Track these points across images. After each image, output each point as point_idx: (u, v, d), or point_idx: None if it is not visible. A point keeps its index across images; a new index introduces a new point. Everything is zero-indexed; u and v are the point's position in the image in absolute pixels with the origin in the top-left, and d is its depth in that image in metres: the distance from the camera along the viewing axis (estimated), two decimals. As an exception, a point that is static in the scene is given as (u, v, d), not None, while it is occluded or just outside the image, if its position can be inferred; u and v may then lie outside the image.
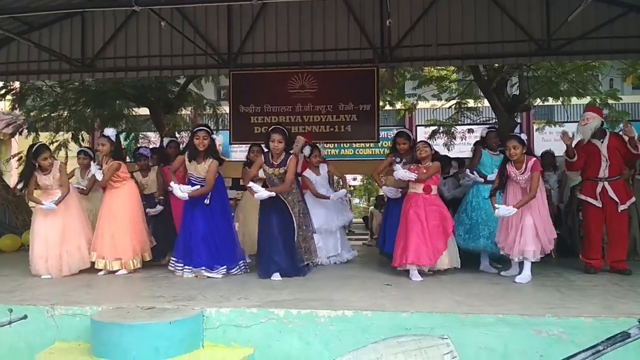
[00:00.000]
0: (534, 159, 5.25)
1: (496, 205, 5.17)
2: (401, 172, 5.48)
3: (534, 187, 5.13)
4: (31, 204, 7.28)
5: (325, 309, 3.94)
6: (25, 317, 4.09)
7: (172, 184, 5.52)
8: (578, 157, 5.74)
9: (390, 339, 3.62)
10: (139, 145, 10.07)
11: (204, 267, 5.48)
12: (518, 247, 5.16)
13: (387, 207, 6.48)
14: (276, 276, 5.34)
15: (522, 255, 5.16)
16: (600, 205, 5.62)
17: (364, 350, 3.50)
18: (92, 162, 6.19)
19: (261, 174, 5.70)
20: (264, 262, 5.49)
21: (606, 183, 5.62)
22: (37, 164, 5.66)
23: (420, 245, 5.27)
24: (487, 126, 6.85)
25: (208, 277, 5.43)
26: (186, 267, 5.58)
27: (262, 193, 5.30)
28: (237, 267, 5.67)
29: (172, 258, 5.72)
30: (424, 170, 5.46)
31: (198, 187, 5.48)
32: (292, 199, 5.56)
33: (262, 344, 3.87)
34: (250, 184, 5.48)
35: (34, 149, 5.74)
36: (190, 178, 5.58)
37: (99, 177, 5.82)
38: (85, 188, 6.40)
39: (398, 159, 5.93)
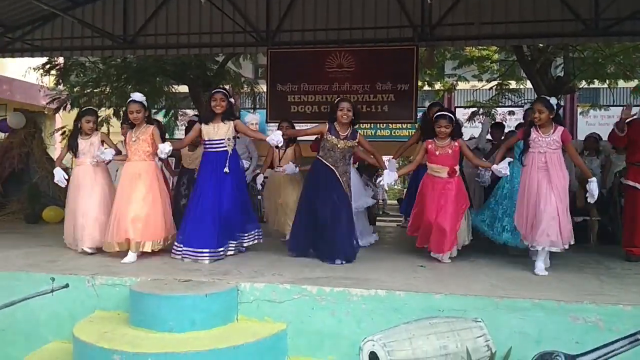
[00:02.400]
0: (563, 128, 4.84)
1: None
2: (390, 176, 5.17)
3: (573, 154, 4.87)
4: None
5: (358, 287, 3.95)
6: (67, 286, 4.25)
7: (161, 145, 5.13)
8: (626, 135, 5.55)
9: (423, 320, 3.62)
10: (194, 115, 9.96)
11: (208, 250, 5.03)
12: (535, 233, 4.68)
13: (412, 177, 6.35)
14: (338, 262, 5.05)
15: (537, 243, 4.68)
16: (647, 192, 5.44)
17: (396, 330, 3.52)
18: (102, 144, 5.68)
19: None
20: (328, 246, 5.14)
21: (654, 169, 5.43)
22: (79, 125, 5.57)
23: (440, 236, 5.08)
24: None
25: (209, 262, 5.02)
26: (187, 249, 5.10)
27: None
28: (251, 236, 5.50)
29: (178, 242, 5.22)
30: (449, 152, 5.16)
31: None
32: (345, 172, 5.30)
33: (295, 320, 3.92)
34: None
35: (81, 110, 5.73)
36: (206, 144, 5.28)
37: (109, 157, 5.42)
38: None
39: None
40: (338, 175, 5.20)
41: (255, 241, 5.59)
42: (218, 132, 5.23)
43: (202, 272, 4.54)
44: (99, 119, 12.58)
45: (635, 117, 5.63)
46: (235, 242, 5.39)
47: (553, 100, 4.83)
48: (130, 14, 9.04)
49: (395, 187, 29.51)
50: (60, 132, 13.46)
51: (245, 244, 5.53)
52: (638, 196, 5.51)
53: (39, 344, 4.21)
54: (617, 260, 5.46)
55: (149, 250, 5.16)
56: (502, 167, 4.96)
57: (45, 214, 8.64)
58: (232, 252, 5.34)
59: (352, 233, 5.26)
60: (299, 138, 6.22)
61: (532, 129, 4.86)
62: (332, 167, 5.20)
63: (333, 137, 5.20)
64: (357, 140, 5.27)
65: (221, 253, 5.16)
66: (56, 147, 15.03)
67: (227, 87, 13.18)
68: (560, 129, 4.78)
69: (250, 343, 3.63)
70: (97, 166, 5.56)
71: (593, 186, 4.73)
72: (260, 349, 3.69)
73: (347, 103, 5.22)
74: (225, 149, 5.24)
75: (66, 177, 5.67)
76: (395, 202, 17.52)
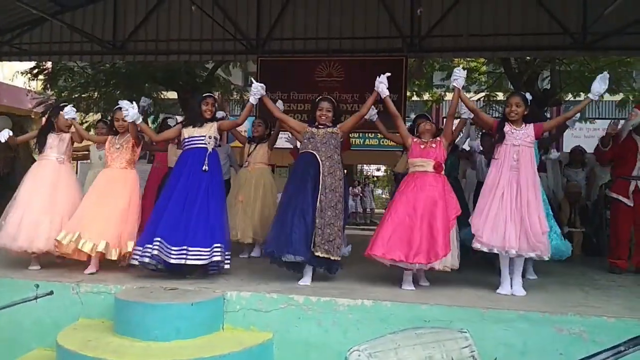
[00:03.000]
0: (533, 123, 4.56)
1: None
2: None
3: (552, 123, 4.73)
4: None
5: (345, 297, 3.95)
6: (51, 293, 4.20)
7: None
8: (610, 149, 5.64)
9: (409, 330, 3.62)
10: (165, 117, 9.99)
11: (198, 248, 4.55)
12: (499, 238, 4.27)
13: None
14: (289, 257, 4.47)
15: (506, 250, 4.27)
16: (632, 205, 5.50)
17: (382, 340, 3.51)
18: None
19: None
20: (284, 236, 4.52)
21: (639, 182, 5.50)
22: (55, 121, 5.34)
23: (398, 237, 4.44)
24: None
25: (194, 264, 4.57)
26: (168, 248, 4.53)
27: None
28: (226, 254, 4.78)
29: (141, 246, 4.64)
30: (433, 146, 4.73)
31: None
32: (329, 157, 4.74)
33: (281, 329, 3.91)
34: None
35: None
36: (185, 142, 4.95)
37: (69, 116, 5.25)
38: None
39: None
40: (318, 159, 4.65)
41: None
42: (199, 130, 4.93)
43: (188, 280, 4.51)
44: (87, 124, 12.60)
45: (624, 131, 5.70)
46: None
47: (528, 96, 4.67)
48: (120, 19, 9.03)
49: (383, 195, 29.69)
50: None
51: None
52: (622, 209, 5.58)
53: (22, 351, 4.16)
54: (602, 272, 5.52)
55: (112, 258, 4.80)
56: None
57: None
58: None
59: (309, 229, 4.49)
60: (276, 145, 6.24)
61: (505, 123, 4.56)
62: (312, 151, 4.70)
63: (311, 128, 4.85)
64: (338, 127, 4.85)
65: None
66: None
67: (216, 94, 13.22)
68: (531, 124, 4.52)
69: (236, 352, 3.62)
70: (62, 164, 5.31)
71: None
72: (246, 359, 3.67)
73: (326, 103, 4.88)
74: (205, 146, 4.89)
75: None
76: (383, 210, 17.55)
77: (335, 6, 8.51)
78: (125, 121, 5.05)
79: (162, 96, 13.00)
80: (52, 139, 5.35)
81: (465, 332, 3.59)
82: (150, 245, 4.53)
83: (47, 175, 5.18)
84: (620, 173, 5.66)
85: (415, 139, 4.90)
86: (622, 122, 5.94)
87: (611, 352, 3.16)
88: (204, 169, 4.80)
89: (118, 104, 5.11)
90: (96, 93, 12.07)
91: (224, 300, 4.01)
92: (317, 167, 4.63)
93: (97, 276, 4.58)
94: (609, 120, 5.91)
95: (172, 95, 12.69)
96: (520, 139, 4.46)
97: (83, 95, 12.08)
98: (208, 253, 4.56)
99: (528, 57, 9.94)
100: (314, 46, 8.67)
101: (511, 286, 4.36)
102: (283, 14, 8.64)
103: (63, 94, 12.25)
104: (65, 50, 9.33)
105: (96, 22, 9.07)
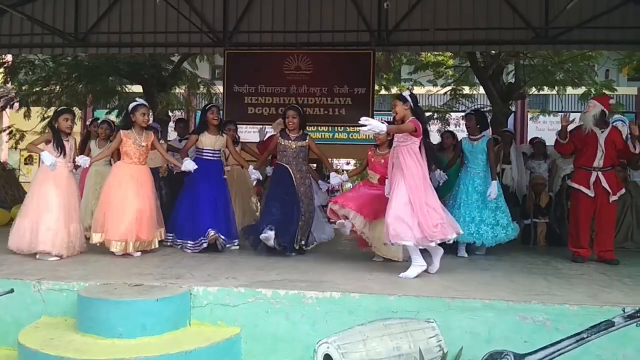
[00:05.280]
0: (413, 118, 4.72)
1: None
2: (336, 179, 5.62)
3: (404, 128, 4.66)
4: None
5: (313, 290, 3.94)
6: (11, 291, 4.08)
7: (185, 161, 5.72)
8: (569, 141, 5.76)
9: (377, 321, 3.64)
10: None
11: (223, 236, 5.77)
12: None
13: None
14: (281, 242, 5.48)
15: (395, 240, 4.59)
16: (593, 195, 5.63)
17: (350, 332, 3.52)
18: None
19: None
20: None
21: (600, 173, 5.62)
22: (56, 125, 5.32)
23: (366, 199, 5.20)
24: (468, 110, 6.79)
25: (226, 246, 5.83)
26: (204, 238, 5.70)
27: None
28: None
29: (180, 238, 5.87)
30: (382, 161, 5.30)
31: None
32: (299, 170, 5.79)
33: (249, 324, 3.88)
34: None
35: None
36: (204, 152, 5.91)
37: (85, 164, 5.47)
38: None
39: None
40: (292, 173, 5.68)
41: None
42: (216, 143, 5.94)
43: (154, 275, 4.45)
44: (49, 119, 12.29)
45: (578, 123, 5.83)
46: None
47: (406, 93, 4.83)
48: (82, 10, 8.80)
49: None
50: (7, 131, 12.97)
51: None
52: (582, 198, 5.70)
53: (-19, 351, 4.04)
54: (565, 261, 5.64)
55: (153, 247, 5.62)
56: None
57: (-10, 216, 8.32)
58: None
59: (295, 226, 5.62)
60: (242, 139, 7.16)
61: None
62: (285, 165, 5.71)
63: (285, 140, 5.74)
64: (306, 141, 5.79)
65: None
66: (2, 148, 14.48)
67: (182, 87, 13.05)
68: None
69: (203, 348, 3.57)
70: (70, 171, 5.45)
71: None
72: (213, 354, 3.63)
73: (291, 111, 5.75)
74: (220, 158, 6.08)
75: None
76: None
77: (303, -1, 8.46)
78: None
79: (126, 90, 12.74)
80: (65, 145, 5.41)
81: (432, 322, 3.64)
82: (204, 237, 5.69)
83: (59, 183, 5.26)
84: (581, 164, 5.78)
85: (370, 152, 5.61)
86: (575, 114, 6.07)
87: (574, 339, 3.24)
88: (225, 176, 6.17)
89: (139, 102, 5.80)
90: (58, 87, 11.74)
91: (191, 296, 3.96)
92: (290, 178, 5.68)
93: (58, 273, 4.46)
94: (572, 114, 6.02)
95: (137, 89, 12.45)
96: (397, 140, 4.77)
97: (44, 89, 11.75)
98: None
99: (493, 52, 10.08)
100: (282, 39, 8.63)
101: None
102: (250, 6, 8.55)
103: (23, 88, 11.91)
104: (26, 43, 9.05)
105: (57, 14, 8.82)
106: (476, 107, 11.14)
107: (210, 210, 5.76)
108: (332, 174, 5.69)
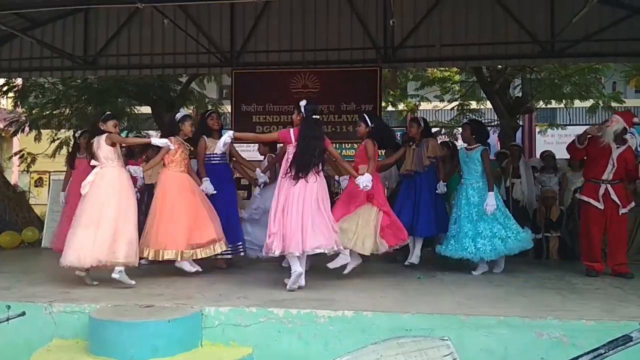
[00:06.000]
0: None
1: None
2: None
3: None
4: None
5: (325, 308, 3.91)
6: (23, 314, 4.06)
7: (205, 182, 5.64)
8: (584, 149, 5.68)
9: (390, 340, 3.59)
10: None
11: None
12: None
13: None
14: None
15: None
16: (602, 208, 5.57)
17: (364, 351, 3.47)
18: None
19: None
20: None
21: (609, 185, 5.57)
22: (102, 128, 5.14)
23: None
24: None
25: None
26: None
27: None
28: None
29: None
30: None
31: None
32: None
33: (261, 344, 3.85)
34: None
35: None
36: (212, 157, 5.79)
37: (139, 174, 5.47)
38: None
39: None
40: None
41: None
42: (221, 147, 5.65)
43: (165, 296, 4.43)
44: (59, 141, 12.38)
45: (607, 138, 5.73)
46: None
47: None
48: (91, 34, 8.92)
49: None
50: (18, 155, 13.07)
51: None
52: (592, 211, 5.64)
53: (-7, 375, 4.03)
54: (578, 275, 5.57)
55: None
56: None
57: (2, 239, 8.35)
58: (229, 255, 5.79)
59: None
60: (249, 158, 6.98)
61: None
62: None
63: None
64: None
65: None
66: (13, 171, 14.59)
67: (191, 107, 13.13)
68: None
69: (215, 368, 3.55)
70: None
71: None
72: (225, 375, 3.61)
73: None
74: (227, 161, 6.02)
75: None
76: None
77: (309, 18, 8.54)
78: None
79: (135, 111, 12.84)
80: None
81: (447, 339, 3.57)
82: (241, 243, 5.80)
83: (112, 188, 5.03)
84: (591, 176, 5.73)
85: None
86: (582, 127, 6.03)
87: (591, 355, 3.17)
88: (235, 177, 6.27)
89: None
90: (68, 109, 11.84)
91: (202, 316, 3.94)
92: None
93: (70, 295, 4.46)
94: (580, 127, 5.98)
95: (146, 110, 12.54)
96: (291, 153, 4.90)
97: (54, 112, 11.85)
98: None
99: (499, 66, 10.09)
100: (289, 58, 8.68)
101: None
102: (257, 27, 8.63)
103: (34, 111, 12.02)
104: (36, 66, 9.17)
105: (66, 38, 8.94)
106: (475, 118, 11.21)
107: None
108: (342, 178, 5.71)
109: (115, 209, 4.88)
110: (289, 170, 4.76)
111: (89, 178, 4.99)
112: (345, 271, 5.19)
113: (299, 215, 4.66)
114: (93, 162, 5.07)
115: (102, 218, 4.84)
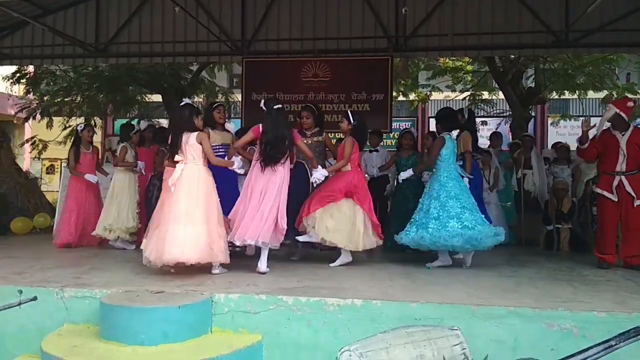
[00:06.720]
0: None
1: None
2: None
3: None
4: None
5: (334, 297, 3.91)
6: (35, 298, 4.12)
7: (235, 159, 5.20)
8: (590, 146, 5.65)
9: (399, 328, 3.59)
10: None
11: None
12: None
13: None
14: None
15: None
16: (616, 200, 5.52)
17: (373, 340, 3.48)
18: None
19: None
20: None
21: (623, 177, 5.51)
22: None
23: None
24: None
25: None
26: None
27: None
28: None
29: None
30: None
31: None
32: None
33: (271, 331, 3.86)
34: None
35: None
36: (218, 149, 5.63)
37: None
38: None
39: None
40: (307, 169, 5.65)
41: None
42: (224, 138, 5.85)
43: (175, 282, 4.45)
44: (71, 129, 12.44)
45: (599, 127, 5.70)
46: None
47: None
48: (103, 21, 8.94)
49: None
50: (30, 142, 13.16)
51: None
52: (606, 204, 5.60)
53: (5, 358, 4.06)
54: (590, 267, 5.53)
55: None
56: None
57: (14, 225, 8.43)
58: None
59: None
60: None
61: None
62: (302, 162, 5.68)
63: (302, 138, 5.53)
64: (323, 137, 5.84)
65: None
66: (25, 158, 14.70)
67: (201, 96, 13.13)
68: None
69: (224, 355, 3.55)
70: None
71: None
72: (235, 361, 3.62)
73: (305, 111, 5.87)
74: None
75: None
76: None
77: (320, 6, 8.49)
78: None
79: (146, 99, 12.87)
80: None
81: (456, 329, 3.57)
82: None
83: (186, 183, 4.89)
84: (605, 169, 5.68)
85: None
86: (595, 119, 5.97)
87: (602, 347, 3.17)
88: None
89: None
90: (79, 97, 11.90)
91: (212, 303, 3.95)
92: (306, 175, 5.64)
93: (81, 280, 4.49)
94: (593, 118, 5.93)
95: (157, 98, 12.57)
96: None
97: (66, 100, 11.91)
98: None
99: (512, 56, 9.99)
100: (300, 47, 8.65)
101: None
102: (268, 15, 8.60)
103: (45, 99, 12.08)
104: (47, 53, 9.20)
105: (78, 25, 8.96)
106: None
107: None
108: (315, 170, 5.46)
109: (206, 207, 4.80)
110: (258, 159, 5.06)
111: (175, 175, 4.80)
112: (333, 264, 5.39)
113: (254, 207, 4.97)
114: (177, 157, 4.87)
115: (196, 216, 4.72)
